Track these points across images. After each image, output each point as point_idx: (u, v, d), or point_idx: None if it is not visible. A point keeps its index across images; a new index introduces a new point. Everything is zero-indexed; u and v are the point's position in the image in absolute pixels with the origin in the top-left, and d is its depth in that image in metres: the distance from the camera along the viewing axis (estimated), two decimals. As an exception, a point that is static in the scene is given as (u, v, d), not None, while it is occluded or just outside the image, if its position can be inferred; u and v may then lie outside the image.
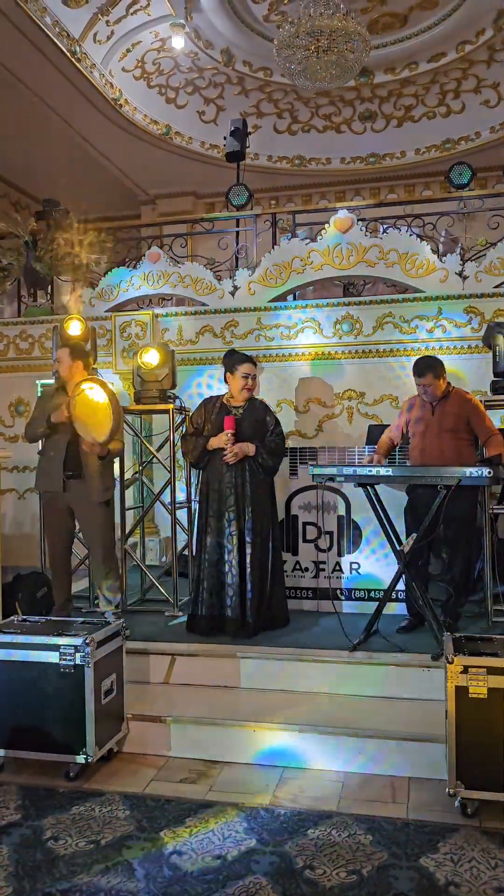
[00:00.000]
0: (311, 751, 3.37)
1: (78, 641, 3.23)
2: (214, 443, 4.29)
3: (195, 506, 4.95)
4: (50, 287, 7.05)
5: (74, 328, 5.28)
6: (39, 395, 4.64)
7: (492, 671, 2.87)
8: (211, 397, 4.58)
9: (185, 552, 5.45)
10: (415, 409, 4.44)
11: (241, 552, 4.26)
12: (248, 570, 4.24)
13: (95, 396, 4.16)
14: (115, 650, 3.48)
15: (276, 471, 4.42)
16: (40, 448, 4.54)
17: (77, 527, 4.54)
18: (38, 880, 2.52)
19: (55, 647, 3.25)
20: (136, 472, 5.42)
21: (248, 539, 4.26)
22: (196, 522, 4.65)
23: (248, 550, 4.25)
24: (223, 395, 4.50)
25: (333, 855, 2.64)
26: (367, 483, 4.10)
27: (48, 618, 3.83)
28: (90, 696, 3.21)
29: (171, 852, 2.68)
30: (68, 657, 3.23)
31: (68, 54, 7.16)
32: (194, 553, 4.58)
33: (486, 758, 2.87)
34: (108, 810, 2.98)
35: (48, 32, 6.77)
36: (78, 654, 3.22)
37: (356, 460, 4.78)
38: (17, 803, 3.06)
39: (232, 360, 4.41)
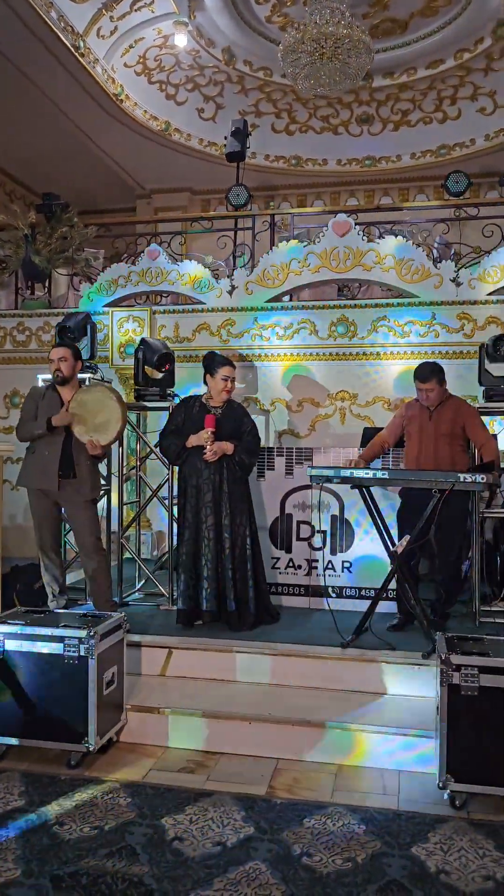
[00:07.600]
0: (304, 743, 3.49)
1: (82, 634, 3.32)
2: (194, 440, 4.39)
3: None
4: (48, 280, 7.08)
5: None
6: (28, 394, 4.60)
7: (483, 670, 3.00)
8: (190, 397, 4.68)
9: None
10: (413, 412, 4.56)
11: (218, 546, 4.38)
12: (227, 563, 4.36)
13: (103, 399, 4.24)
14: (117, 643, 3.57)
15: (251, 469, 4.55)
16: (29, 444, 4.58)
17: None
18: (46, 863, 2.61)
19: (60, 639, 3.34)
20: (132, 468, 5.50)
21: (225, 534, 4.38)
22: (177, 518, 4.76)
23: (227, 545, 4.38)
24: (202, 395, 4.59)
25: (329, 843, 2.76)
26: (362, 485, 4.22)
27: (49, 609, 3.90)
28: (93, 687, 3.30)
29: (172, 838, 2.78)
30: (72, 649, 3.32)
31: (72, 49, 7.20)
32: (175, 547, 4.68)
33: (476, 752, 2.99)
34: (109, 797, 3.08)
35: (53, 26, 6.80)
36: (82, 646, 3.31)
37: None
38: (20, 789, 3.15)
39: (213, 362, 4.50)
